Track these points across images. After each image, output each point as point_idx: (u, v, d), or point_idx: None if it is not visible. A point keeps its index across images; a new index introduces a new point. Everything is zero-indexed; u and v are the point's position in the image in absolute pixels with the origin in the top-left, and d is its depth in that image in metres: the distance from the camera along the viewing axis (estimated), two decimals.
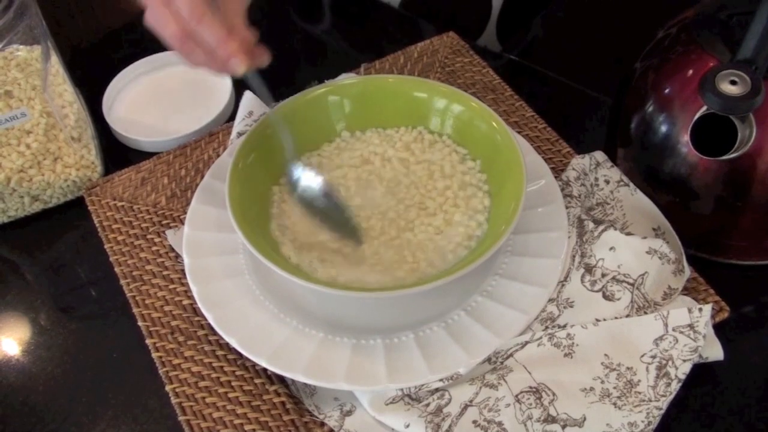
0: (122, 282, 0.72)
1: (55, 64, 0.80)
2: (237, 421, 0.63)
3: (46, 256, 0.80)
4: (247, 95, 0.81)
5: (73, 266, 0.78)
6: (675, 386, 0.60)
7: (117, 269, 0.73)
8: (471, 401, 0.60)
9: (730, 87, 0.61)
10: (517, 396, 0.60)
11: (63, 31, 0.96)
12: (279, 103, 0.75)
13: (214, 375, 0.65)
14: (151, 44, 0.96)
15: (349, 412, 0.62)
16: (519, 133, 0.80)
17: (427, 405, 0.61)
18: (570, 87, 0.90)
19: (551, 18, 1.03)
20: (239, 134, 0.79)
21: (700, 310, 0.63)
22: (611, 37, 0.96)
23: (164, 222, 0.77)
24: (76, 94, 0.83)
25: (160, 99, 0.92)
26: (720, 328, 0.64)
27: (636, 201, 0.72)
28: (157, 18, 0.61)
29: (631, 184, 0.73)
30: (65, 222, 0.82)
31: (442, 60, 0.90)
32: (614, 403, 0.60)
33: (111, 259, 0.74)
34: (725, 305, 0.66)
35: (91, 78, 0.91)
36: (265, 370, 0.65)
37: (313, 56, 0.99)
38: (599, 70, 0.91)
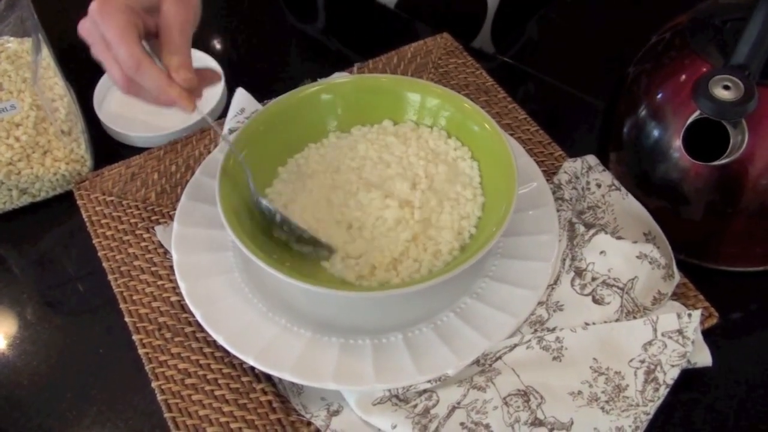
0: (110, 277, 0.72)
1: (46, 56, 0.80)
2: (223, 419, 0.62)
3: (34, 250, 0.79)
4: (239, 92, 0.81)
5: (61, 261, 0.78)
6: (663, 391, 0.60)
7: (105, 264, 0.73)
8: (459, 403, 0.60)
9: (723, 92, 0.61)
10: (505, 398, 0.60)
11: (55, 24, 0.95)
12: (272, 100, 0.74)
13: (200, 372, 0.65)
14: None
15: (336, 412, 0.62)
16: (511, 135, 0.80)
17: (415, 406, 0.61)
18: (563, 90, 0.90)
19: (546, 20, 1.03)
20: (231, 131, 0.79)
21: (690, 315, 0.63)
22: (605, 41, 0.96)
23: (153, 218, 0.76)
24: (67, 88, 0.82)
25: None
26: (708, 334, 0.64)
27: (627, 205, 0.72)
28: (100, 57, 0.63)
29: (623, 189, 0.73)
30: (53, 216, 0.81)
31: (436, 61, 0.90)
32: (602, 408, 0.60)
33: (99, 254, 0.74)
34: (714, 311, 0.66)
35: (83, 72, 0.90)
36: (252, 368, 0.64)
37: (307, 55, 0.99)
38: (593, 74, 0.91)
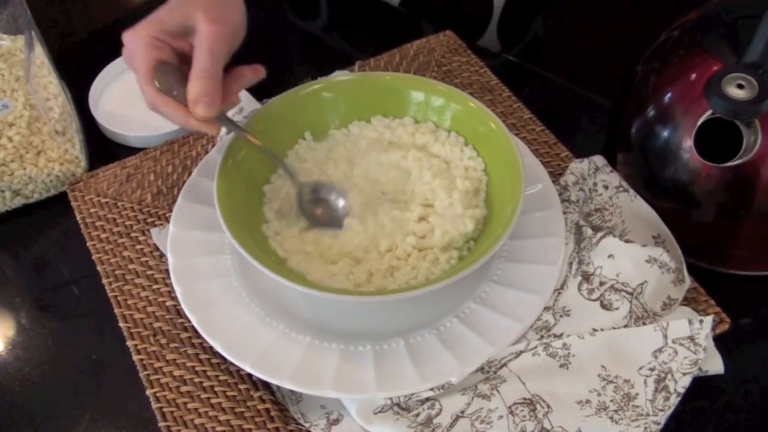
0: (104, 281, 0.70)
1: (40, 55, 0.78)
2: (219, 429, 0.61)
3: (27, 253, 0.77)
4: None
5: (55, 264, 0.76)
6: (674, 400, 0.59)
7: (99, 268, 0.71)
8: (462, 412, 0.59)
9: (736, 91, 0.59)
10: (510, 407, 0.59)
11: (51, 21, 0.94)
12: (271, 99, 0.73)
13: (196, 380, 0.64)
14: None
15: (336, 421, 0.61)
16: (516, 135, 0.78)
17: (417, 415, 0.59)
18: (569, 89, 0.88)
19: (552, 19, 1.01)
20: (229, 131, 0.77)
21: (701, 321, 0.61)
22: (611, 39, 0.94)
23: (149, 220, 0.75)
24: (62, 86, 0.81)
25: None
26: (720, 340, 0.62)
27: (635, 207, 0.70)
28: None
29: (631, 190, 0.71)
30: (47, 218, 0.79)
31: (439, 59, 0.88)
32: (611, 417, 0.58)
33: (93, 257, 0.72)
34: (726, 316, 0.65)
35: (79, 70, 0.89)
36: (249, 375, 0.63)
37: (308, 53, 0.97)
38: (599, 73, 0.89)
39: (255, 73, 0.66)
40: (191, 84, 0.61)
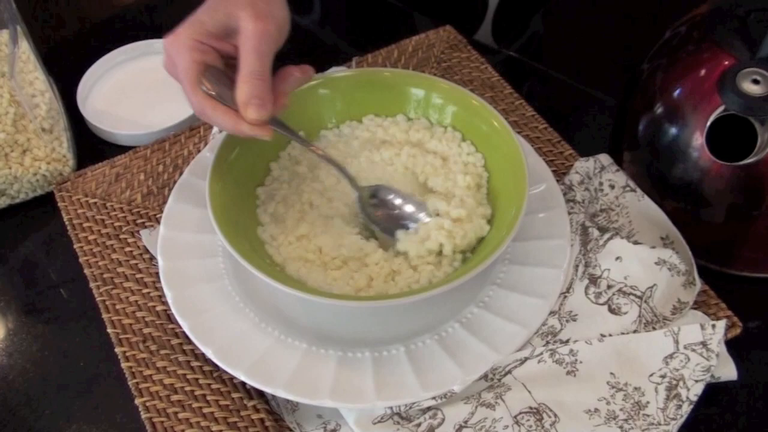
0: (92, 285, 0.68)
1: (26, 50, 0.76)
2: None
3: (13, 255, 0.75)
4: None
5: (41, 267, 0.74)
6: (686, 409, 0.57)
7: (87, 271, 0.69)
8: (466, 422, 0.57)
9: (751, 86, 0.57)
10: (515, 417, 0.56)
11: (39, 16, 0.91)
12: None
13: (188, 388, 0.62)
14: (130, 33, 0.92)
15: (334, 431, 0.59)
16: (519, 133, 0.76)
17: (418, 425, 0.57)
18: (573, 86, 0.86)
19: (553, 13, 0.99)
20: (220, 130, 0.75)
21: (714, 326, 0.59)
22: (616, 36, 0.92)
23: (139, 221, 0.73)
24: (49, 83, 0.78)
25: (138, 90, 0.88)
26: (732, 345, 0.60)
27: (643, 207, 0.69)
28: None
29: (638, 190, 0.69)
30: (34, 219, 0.77)
31: (438, 55, 0.86)
32: (621, 427, 0.56)
33: (81, 260, 0.70)
34: (737, 320, 0.63)
35: (67, 66, 0.87)
36: (243, 383, 0.61)
37: (302, 50, 0.95)
38: (603, 70, 0.87)
39: (303, 72, 0.63)
40: (240, 87, 0.58)
